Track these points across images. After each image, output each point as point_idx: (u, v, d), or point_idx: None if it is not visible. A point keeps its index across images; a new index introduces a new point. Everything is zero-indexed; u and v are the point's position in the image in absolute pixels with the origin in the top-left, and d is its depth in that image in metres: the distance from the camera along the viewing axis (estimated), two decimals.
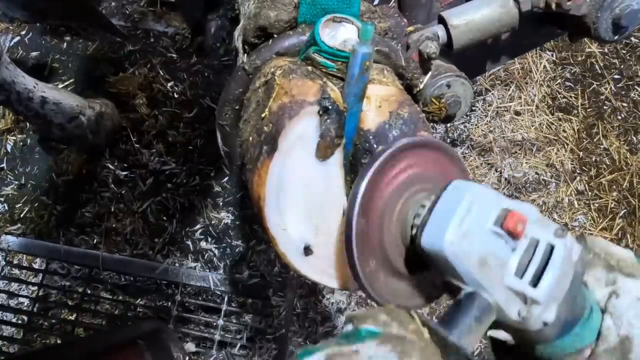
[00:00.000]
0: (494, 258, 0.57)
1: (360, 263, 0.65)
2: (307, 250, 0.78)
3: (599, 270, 0.65)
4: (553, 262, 0.56)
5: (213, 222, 2.08)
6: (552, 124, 2.39)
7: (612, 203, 2.27)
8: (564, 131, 2.38)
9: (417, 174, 0.68)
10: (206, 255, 2.04)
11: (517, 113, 2.40)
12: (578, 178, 2.31)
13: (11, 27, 2.33)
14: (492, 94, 2.41)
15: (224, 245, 2.06)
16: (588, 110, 2.43)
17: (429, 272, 0.70)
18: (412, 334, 0.51)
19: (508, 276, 0.57)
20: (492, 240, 0.57)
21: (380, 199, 0.66)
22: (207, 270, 2.00)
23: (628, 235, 2.22)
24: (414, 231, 0.65)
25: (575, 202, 2.27)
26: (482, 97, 2.41)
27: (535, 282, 0.57)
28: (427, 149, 0.70)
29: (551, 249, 0.57)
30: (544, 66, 2.47)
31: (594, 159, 2.35)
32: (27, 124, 2.15)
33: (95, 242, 2.02)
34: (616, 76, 2.50)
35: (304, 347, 0.50)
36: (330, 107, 0.75)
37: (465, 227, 0.57)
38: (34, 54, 2.29)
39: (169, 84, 2.23)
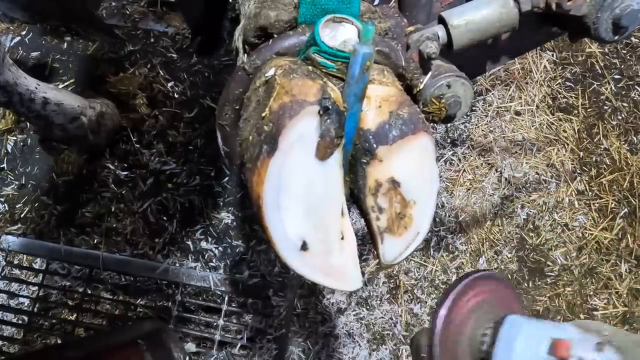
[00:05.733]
0: None
1: None
2: (305, 248, 0.78)
3: None
4: None
5: (213, 222, 2.08)
6: (553, 124, 2.39)
7: (612, 203, 2.27)
8: (564, 131, 2.38)
9: (484, 301, 0.84)
10: (206, 256, 2.04)
11: (518, 113, 2.40)
12: (578, 178, 2.31)
13: (11, 28, 2.33)
14: (493, 94, 2.41)
15: (224, 245, 2.06)
16: (588, 110, 2.43)
17: None
18: None
19: None
20: None
21: (458, 316, 0.81)
22: (208, 271, 2.01)
23: (628, 236, 2.22)
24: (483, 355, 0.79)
25: (576, 202, 2.27)
26: (482, 97, 2.41)
27: None
28: (491, 280, 0.86)
29: None
30: (544, 66, 2.47)
31: (594, 159, 2.35)
32: (28, 124, 2.15)
33: (95, 242, 2.02)
34: (616, 76, 2.50)
35: None
36: (330, 107, 0.75)
37: None
38: (35, 54, 2.29)
39: (169, 84, 2.23)
